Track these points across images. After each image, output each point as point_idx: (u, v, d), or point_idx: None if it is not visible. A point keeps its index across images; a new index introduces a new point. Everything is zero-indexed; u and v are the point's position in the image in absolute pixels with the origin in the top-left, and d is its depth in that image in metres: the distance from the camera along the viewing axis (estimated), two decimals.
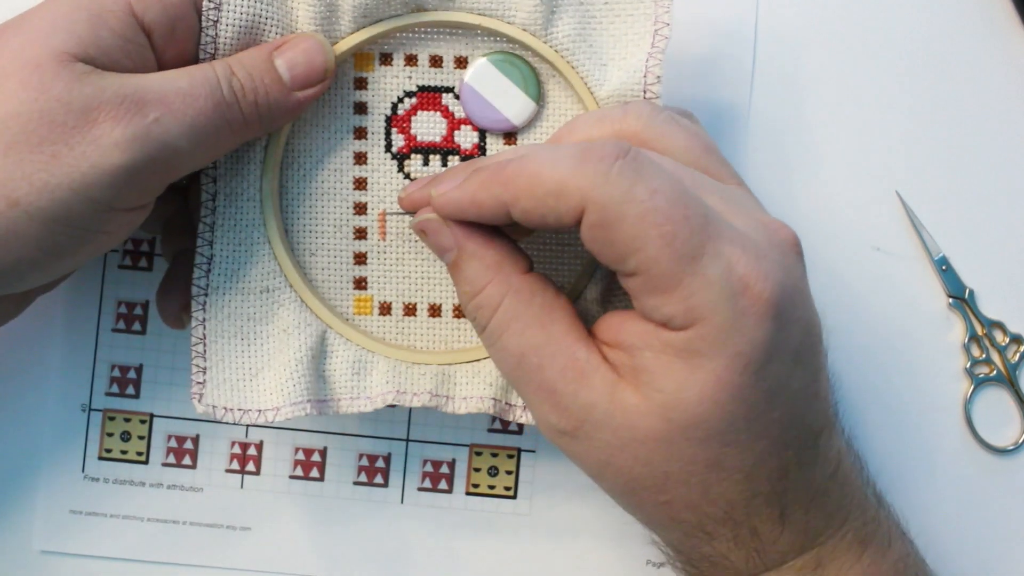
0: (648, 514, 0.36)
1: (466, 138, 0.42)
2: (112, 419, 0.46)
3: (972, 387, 0.46)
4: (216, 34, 0.38)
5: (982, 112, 0.47)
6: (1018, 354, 0.46)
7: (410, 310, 0.42)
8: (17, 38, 0.35)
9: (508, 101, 0.41)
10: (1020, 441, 0.46)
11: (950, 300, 0.47)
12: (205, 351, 0.39)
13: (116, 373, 0.46)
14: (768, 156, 0.47)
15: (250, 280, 0.40)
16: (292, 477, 0.46)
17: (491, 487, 0.46)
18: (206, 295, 0.40)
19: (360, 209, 0.41)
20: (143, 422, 0.46)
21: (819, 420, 0.35)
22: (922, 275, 0.47)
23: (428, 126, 0.41)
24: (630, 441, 0.34)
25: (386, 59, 0.41)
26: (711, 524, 0.35)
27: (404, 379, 0.40)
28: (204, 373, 0.39)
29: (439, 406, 0.40)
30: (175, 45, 0.37)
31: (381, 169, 0.41)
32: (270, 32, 0.39)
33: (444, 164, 0.42)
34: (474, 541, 0.46)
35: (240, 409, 0.39)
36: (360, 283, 0.42)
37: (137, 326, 0.46)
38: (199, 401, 0.39)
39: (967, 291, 0.46)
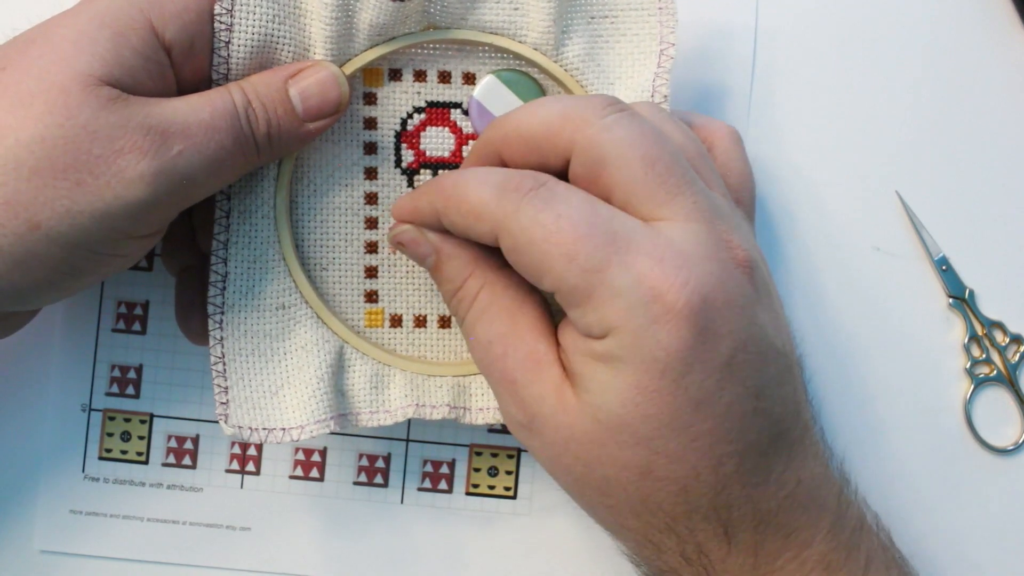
0: (601, 517, 0.37)
1: None
2: (112, 419, 0.46)
3: (972, 387, 0.46)
4: (228, 54, 0.38)
5: (982, 112, 0.47)
6: (1018, 354, 0.46)
7: (420, 322, 0.42)
8: (42, 58, 0.34)
9: None
10: (1020, 441, 0.46)
11: (950, 300, 0.47)
12: (225, 370, 0.39)
13: (116, 373, 0.46)
14: (768, 156, 0.47)
15: (266, 297, 0.40)
16: (292, 477, 0.46)
17: (491, 487, 0.46)
18: (222, 313, 0.39)
19: (371, 223, 0.41)
20: (143, 422, 0.46)
21: (765, 439, 0.35)
22: (922, 275, 0.47)
23: (437, 141, 0.42)
24: (569, 440, 0.35)
25: (395, 75, 0.41)
26: (656, 534, 0.35)
27: (422, 392, 0.40)
28: (227, 393, 0.39)
29: (458, 418, 0.40)
30: (193, 62, 0.37)
31: (391, 184, 0.41)
32: (283, 51, 0.38)
33: None
34: (474, 541, 0.46)
35: (265, 428, 0.39)
36: (371, 296, 0.42)
37: (137, 326, 0.46)
38: (226, 422, 0.39)
39: (967, 291, 0.46)
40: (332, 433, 0.46)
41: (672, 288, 0.33)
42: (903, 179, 0.47)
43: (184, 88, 0.37)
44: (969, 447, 0.46)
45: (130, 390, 0.46)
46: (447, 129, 0.41)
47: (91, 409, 0.46)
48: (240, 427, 0.39)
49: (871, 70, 0.47)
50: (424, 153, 0.41)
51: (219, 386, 0.39)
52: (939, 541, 0.45)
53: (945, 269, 0.46)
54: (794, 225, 0.47)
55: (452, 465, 0.46)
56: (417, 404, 0.40)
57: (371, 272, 0.42)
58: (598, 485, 0.35)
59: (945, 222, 0.47)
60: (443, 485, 0.46)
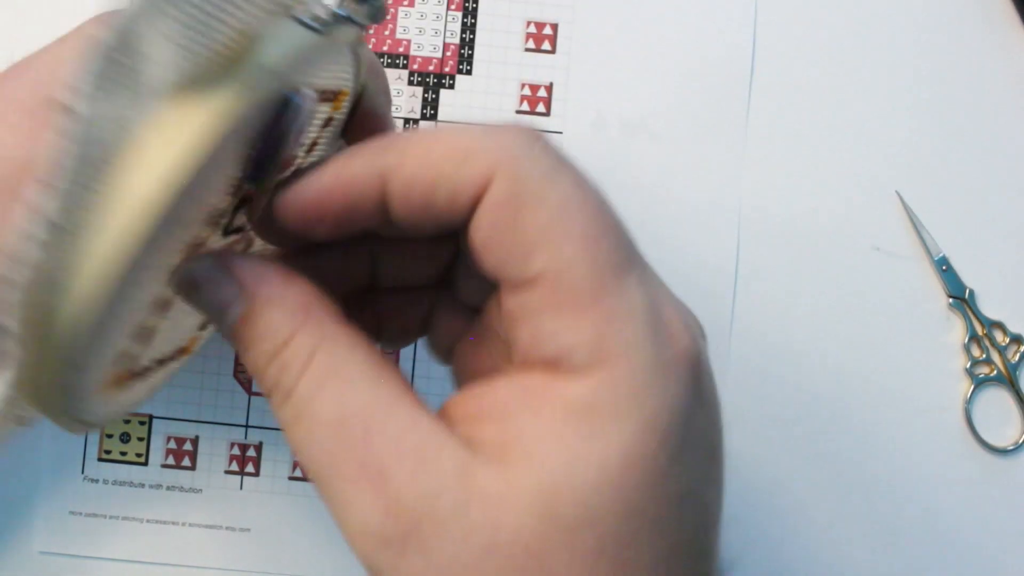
0: None
1: None
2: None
3: (972, 387, 0.46)
4: None
5: (982, 112, 0.47)
6: (1018, 354, 0.46)
7: None
8: (15, 82, 0.34)
9: None
10: (1020, 441, 0.46)
11: (950, 300, 0.46)
12: None
13: None
14: (767, 155, 0.47)
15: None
16: (292, 478, 0.46)
17: None
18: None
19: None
20: (142, 423, 0.46)
21: (714, 561, 0.25)
22: (922, 275, 0.47)
23: None
24: (489, 549, 0.23)
25: None
26: None
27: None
28: None
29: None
30: None
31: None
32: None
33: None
34: None
35: None
36: None
37: None
38: None
39: (967, 291, 0.46)
40: None
41: (682, 328, 0.25)
42: (903, 179, 0.47)
43: None
44: (969, 447, 0.46)
45: None
46: None
47: None
48: None
49: (871, 70, 0.47)
50: None
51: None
52: (939, 541, 0.45)
53: (945, 269, 0.46)
54: (794, 225, 0.46)
55: None
56: None
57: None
58: None
59: (945, 222, 0.47)
60: None
